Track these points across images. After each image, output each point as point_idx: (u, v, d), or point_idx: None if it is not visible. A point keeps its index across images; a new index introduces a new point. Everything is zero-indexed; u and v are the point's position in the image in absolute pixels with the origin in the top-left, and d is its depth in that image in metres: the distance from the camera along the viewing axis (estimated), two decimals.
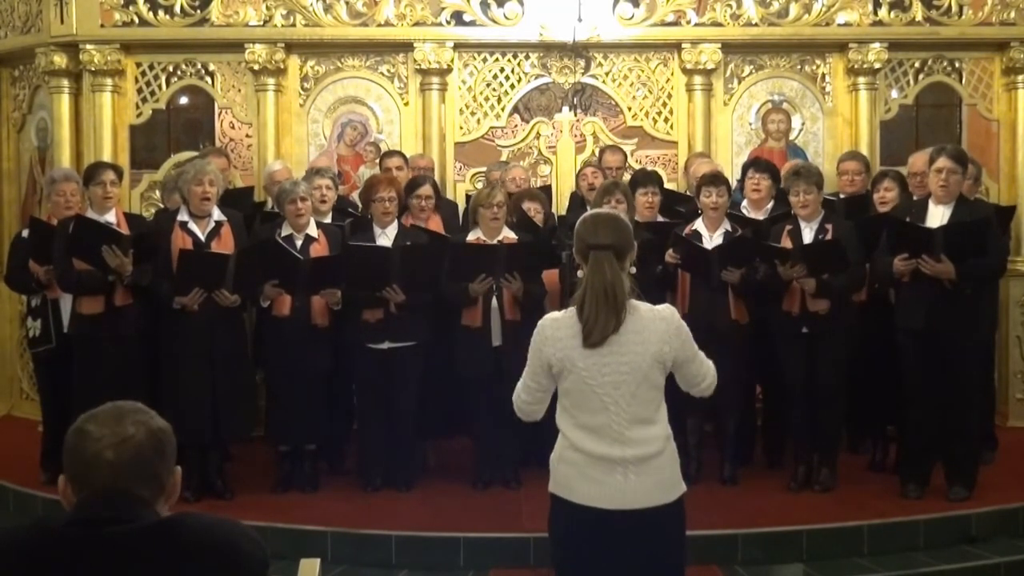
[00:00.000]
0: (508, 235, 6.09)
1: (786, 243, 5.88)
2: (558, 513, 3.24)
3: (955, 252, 5.48)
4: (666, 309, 3.28)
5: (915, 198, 6.09)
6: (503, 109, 7.94)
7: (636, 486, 3.13)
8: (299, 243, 5.97)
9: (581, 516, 3.16)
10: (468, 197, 7.32)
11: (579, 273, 3.32)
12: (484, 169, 7.72)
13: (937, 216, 5.65)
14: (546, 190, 7.45)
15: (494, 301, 5.99)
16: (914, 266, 5.54)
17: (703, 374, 3.32)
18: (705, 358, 3.34)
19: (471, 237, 6.11)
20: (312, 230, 6.03)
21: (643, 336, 3.15)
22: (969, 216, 5.61)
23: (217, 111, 7.94)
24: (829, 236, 5.84)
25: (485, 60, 7.92)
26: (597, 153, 7.74)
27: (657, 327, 3.18)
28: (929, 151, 5.89)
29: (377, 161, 7.50)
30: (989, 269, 5.79)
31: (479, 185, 7.59)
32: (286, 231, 6.01)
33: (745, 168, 6.67)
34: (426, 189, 6.45)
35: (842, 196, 6.57)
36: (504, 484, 6.08)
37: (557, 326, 3.21)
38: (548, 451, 3.33)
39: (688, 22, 7.79)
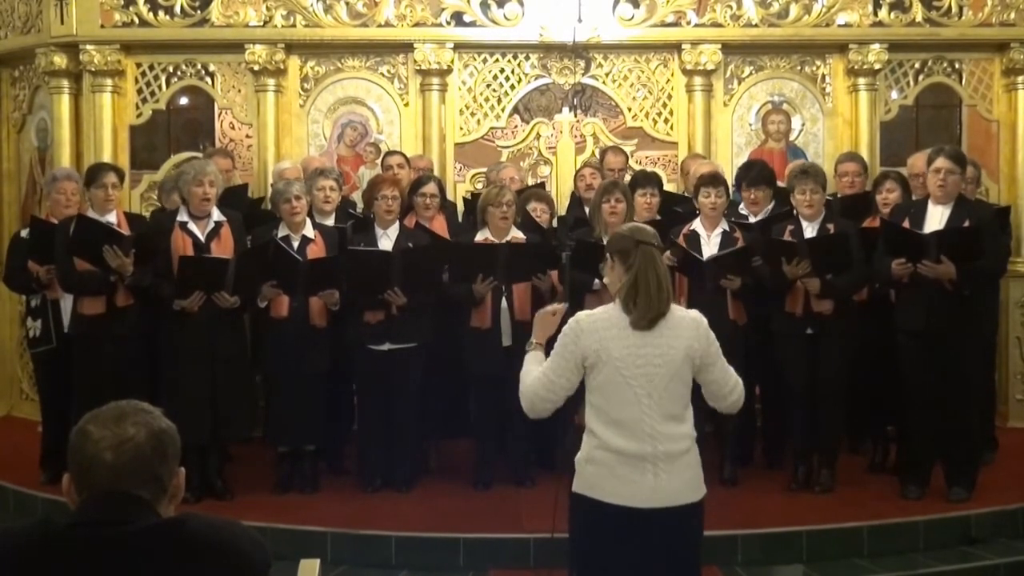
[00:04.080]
0: (517, 235, 6.09)
1: None
2: (583, 513, 3.29)
3: (952, 255, 5.48)
4: (695, 312, 3.44)
5: (914, 198, 6.09)
6: (503, 110, 7.94)
7: (666, 484, 3.23)
8: (296, 244, 5.96)
9: (610, 515, 3.21)
10: (465, 199, 7.30)
11: (606, 269, 3.43)
12: (484, 170, 7.71)
13: (936, 216, 5.65)
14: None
15: (503, 301, 5.99)
16: (912, 270, 5.54)
17: (730, 385, 3.43)
18: (732, 370, 3.45)
19: (480, 237, 6.10)
20: (309, 231, 6.02)
21: (676, 332, 3.30)
22: (968, 217, 5.61)
23: (217, 111, 7.94)
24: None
25: (485, 61, 7.92)
26: (598, 154, 7.73)
27: (688, 324, 3.35)
28: (928, 152, 5.90)
29: (377, 161, 7.50)
30: (989, 271, 5.79)
31: (479, 186, 7.59)
32: (283, 232, 6.00)
33: (738, 181, 6.63)
34: (431, 187, 6.44)
35: (840, 196, 6.56)
36: (517, 484, 6.06)
37: (594, 319, 3.33)
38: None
39: (688, 23, 7.79)
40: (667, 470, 3.21)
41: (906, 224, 5.70)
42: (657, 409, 3.23)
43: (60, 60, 7.72)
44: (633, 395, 3.23)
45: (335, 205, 6.41)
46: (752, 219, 6.38)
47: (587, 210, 6.48)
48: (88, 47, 7.61)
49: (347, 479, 6.31)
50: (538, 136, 8.00)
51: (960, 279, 5.51)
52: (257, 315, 6.15)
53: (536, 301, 5.95)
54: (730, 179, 7.01)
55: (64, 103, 7.84)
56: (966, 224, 5.58)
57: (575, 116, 7.99)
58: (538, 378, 3.36)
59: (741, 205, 6.53)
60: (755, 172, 6.48)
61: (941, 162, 5.60)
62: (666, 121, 7.94)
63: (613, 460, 3.23)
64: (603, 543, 3.24)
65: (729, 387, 3.42)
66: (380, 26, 7.73)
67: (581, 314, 3.40)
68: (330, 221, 6.33)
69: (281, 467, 6.16)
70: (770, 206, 6.40)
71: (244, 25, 7.67)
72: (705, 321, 3.40)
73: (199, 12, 7.66)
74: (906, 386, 5.74)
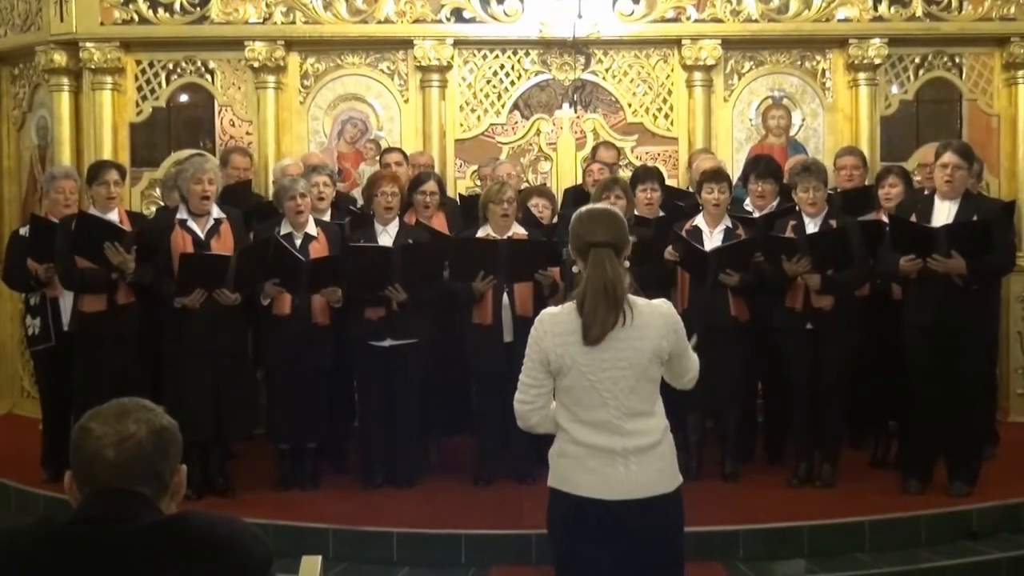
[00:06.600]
0: (518, 231, 6.08)
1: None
2: (557, 507, 3.25)
3: (963, 249, 5.46)
4: (664, 304, 3.29)
5: (924, 192, 6.08)
6: (503, 106, 7.93)
7: (637, 476, 3.15)
8: (298, 241, 5.96)
9: (582, 508, 3.17)
10: (460, 196, 7.29)
11: (574, 268, 3.33)
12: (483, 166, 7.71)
13: (943, 211, 5.62)
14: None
15: (505, 298, 5.99)
16: (920, 266, 5.52)
17: (688, 368, 3.35)
18: (693, 352, 3.36)
19: (481, 233, 6.10)
20: (311, 228, 6.02)
21: (642, 332, 3.16)
22: (975, 212, 5.59)
23: (217, 109, 7.95)
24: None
25: (485, 57, 7.91)
26: (590, 150, 7.73)
27: (656, 323, 3.20)
28: (936, 145, 5.88)
29: (377, 158, 7.50)
30: (997, 266, 5.78)
31: (478, 182, 7.59)
32: (285, 229, 6.00)
33: (746, 173, 6.64)
34: (430, 185, 6.44)
35: (839, 191, 6.56)
36: (518, 480, 6.05)
37: (556, 321, 3.20)
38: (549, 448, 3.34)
39: (688, 18, 7.78)
40: (637, 462, 3.15)
41: (913, 220, 5.68)
42: (624, 410, 3.15)
43: (60, 58, 7.72)
44: (600, 398, 3.15)
45: (329, 201, 6.42)
46: (757, 213, 6.38)
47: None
48: (88, 45, 7.61)
49: (349, 476, 6.31)
50: (538, 132, 7.99)
51: (969, 274, 5.49)
52: (259, 312, 6.15)
53: (538, 297, 5.96)
54: (731, 175, 7.02)
55: (64, 101, 7.84)
56: (974, 219, 5.57)
57: (575, 112, 7.99)
58: (518, 387, 3.29)
59: (746, 201, 6.53)
60: (763, 165, 6.49)
61: (949, 157, 5.57)
62: (666, 117, 7.93)
63: (583, 453, 3.17)
64: (579, 537, 3.19)
65: (687, 370, 3.33)
66: (380, 23, 7.73)
67: (546, 313, 3.27)
68: (326, 217, 6.32)
69: (282, 464, 6.17)
70: (775, 201, 6.39)
71: (244, 22, 7.67)
72: (674, 312, 3.27)
73: (199, 9, 7.65)
74: (911, 381, 5.72)
